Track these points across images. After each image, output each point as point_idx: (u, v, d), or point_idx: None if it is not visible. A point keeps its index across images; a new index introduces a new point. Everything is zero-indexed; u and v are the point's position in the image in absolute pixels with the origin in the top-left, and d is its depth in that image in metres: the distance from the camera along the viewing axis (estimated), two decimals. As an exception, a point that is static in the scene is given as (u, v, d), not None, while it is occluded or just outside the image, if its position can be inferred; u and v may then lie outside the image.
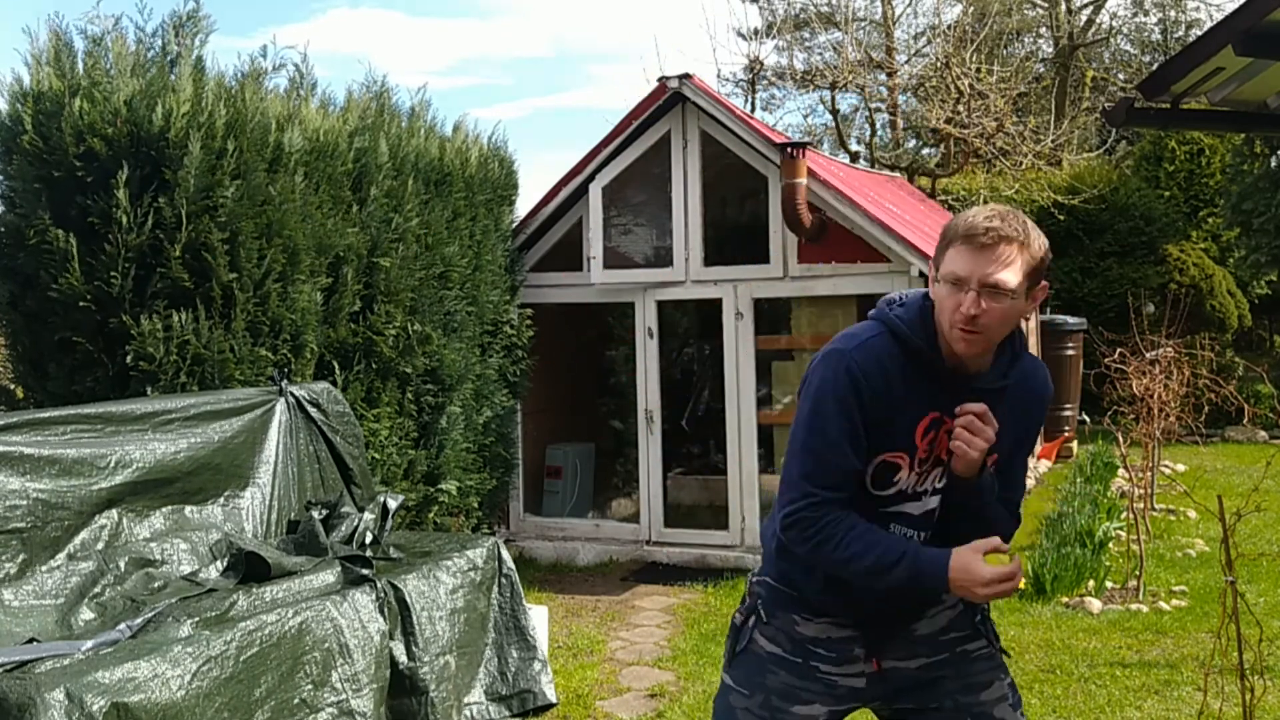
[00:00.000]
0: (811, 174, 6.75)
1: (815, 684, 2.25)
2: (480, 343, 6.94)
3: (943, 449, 2.15)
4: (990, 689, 2.25)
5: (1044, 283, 2.16)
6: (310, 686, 3.59)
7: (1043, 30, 22.81)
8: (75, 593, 3.62)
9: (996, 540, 2.07)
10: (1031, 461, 11.29)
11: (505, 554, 4.70)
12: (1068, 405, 12.71)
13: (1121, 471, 9.65)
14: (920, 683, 2.23)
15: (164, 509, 4.09)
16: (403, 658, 4.03)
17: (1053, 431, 12.52)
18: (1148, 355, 7.84)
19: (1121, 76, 22.84)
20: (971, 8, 16.49)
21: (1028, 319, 2.13)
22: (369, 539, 4.48)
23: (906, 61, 17.81)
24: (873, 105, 18.29)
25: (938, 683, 2.21)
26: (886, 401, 2.12)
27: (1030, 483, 10.40)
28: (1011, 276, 2.06)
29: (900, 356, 2.14)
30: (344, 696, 3.68)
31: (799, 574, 2.26)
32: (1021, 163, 14.54)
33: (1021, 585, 6.25)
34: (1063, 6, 21.89)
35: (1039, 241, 2.12)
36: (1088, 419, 13.29)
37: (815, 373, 2.18)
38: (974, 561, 2.03)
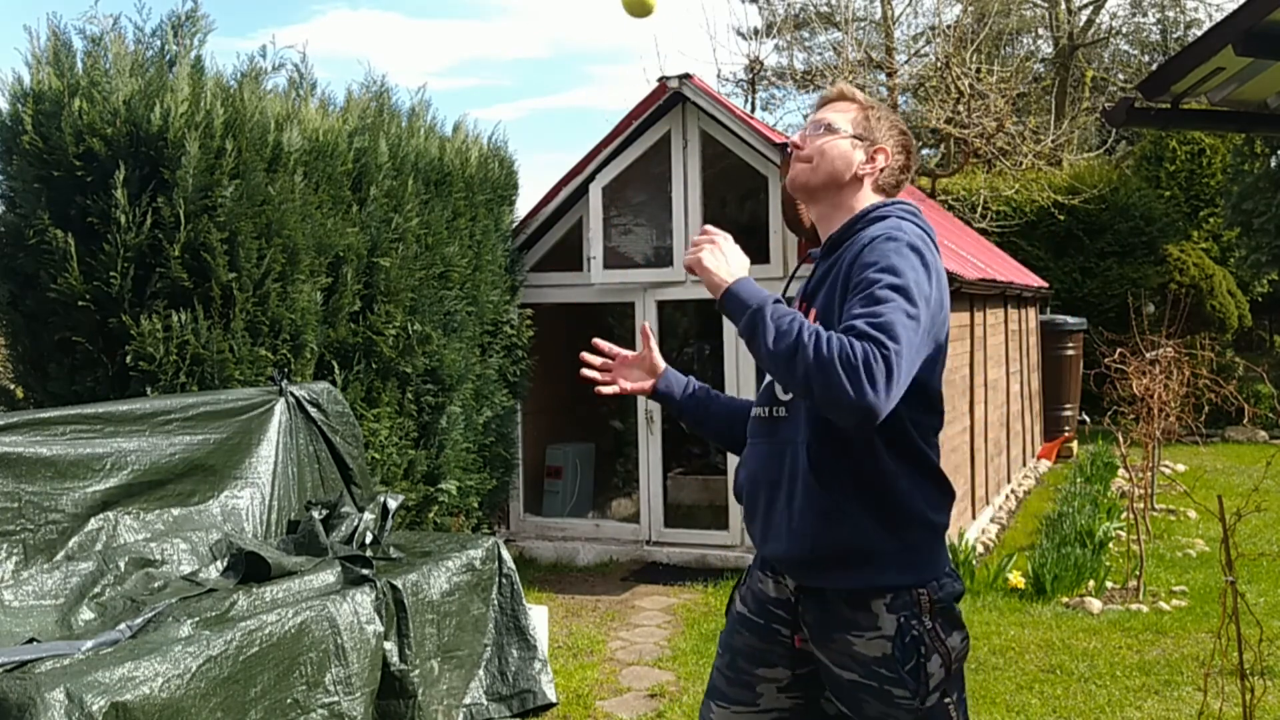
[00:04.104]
0: (811, 174, 6.74)
1: (778, 647, 2.31)
2: (480, 343, 6.93)
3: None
4: None
5: (882, 148, 2.35)
6: (304, 687, 3.58)
7: (1042, 30, 22.82)
8: (75, 593, 3.61)
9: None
10: (1032, 461, 11.32)
11: (505, 554, 4.69)
12: (1068, 405, 12.71)
13: (1121, 471, 9.66)
14: (849, 695, 2.23)
15: (164, 509, 4.09)
16: (395, 660, 4.02)
17: (1053, 431, 12.52)
18: (1148, 355, 7.84)
19: (1121, 76, 22.85)
20: (971, 7, 16.48)
21: (868, 175, 2.40)
22: (369, 539, 4.47)
23: (906, 61, 17.81)
24: (873, 105, 18.23)
25: (862, 705, 2.23)
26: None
27: (1030, 483, 10.40)
28: (836, 118, 2.36)
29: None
30: (336, 698, 3.67)
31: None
32: (1021, 163, 14.54)
33: (1021, 585, 6.29)
34: (1063, 6, 21.91)
35: (884, 114, 2.38)
36: (1088, 419, 13.30)
37: None
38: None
